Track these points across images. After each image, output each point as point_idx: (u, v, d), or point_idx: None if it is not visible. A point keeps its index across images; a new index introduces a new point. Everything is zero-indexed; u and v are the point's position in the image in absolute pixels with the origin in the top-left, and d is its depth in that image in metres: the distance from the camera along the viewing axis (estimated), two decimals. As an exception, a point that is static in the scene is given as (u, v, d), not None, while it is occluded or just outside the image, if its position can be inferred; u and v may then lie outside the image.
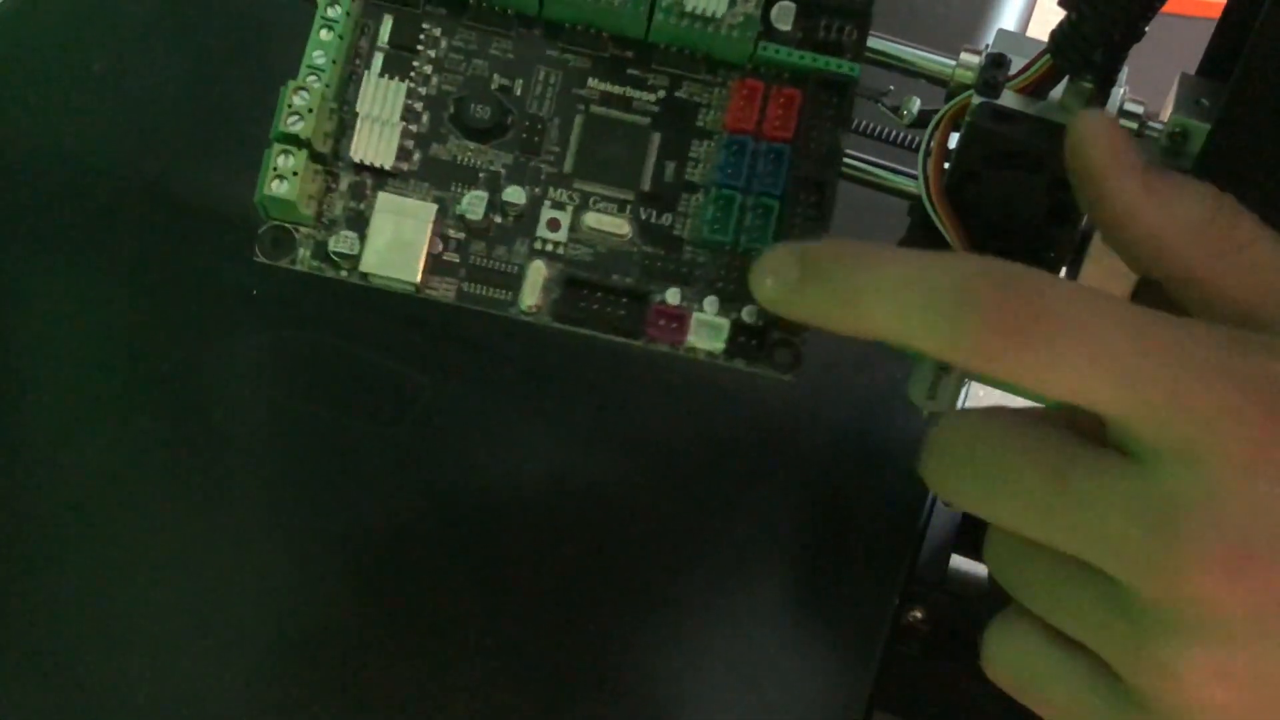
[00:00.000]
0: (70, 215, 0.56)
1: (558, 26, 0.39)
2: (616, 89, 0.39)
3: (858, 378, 0.54)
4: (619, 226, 0.38)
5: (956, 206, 0.40)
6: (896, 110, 0.44)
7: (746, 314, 0.38)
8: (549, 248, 0.38)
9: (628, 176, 0.39)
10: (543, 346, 0.54)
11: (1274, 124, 0.36)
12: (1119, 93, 0.41)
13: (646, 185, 0.39)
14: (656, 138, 0.39)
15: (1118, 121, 0.37)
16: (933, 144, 0.41)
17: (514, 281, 0.38)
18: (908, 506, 0.51)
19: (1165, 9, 0.39)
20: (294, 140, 0.37)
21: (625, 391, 0.53)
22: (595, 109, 0.39)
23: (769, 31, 0.38)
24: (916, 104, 0.44)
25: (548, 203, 0.38)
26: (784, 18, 0.38)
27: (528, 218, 0.38)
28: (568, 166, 0.39)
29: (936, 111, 0.42)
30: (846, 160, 0.46)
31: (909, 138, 0.47)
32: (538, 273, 0.38)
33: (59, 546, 0.47)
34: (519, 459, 0.51)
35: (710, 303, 0.38)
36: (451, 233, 0.38)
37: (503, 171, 0.39)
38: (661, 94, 0.39)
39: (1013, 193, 0.40)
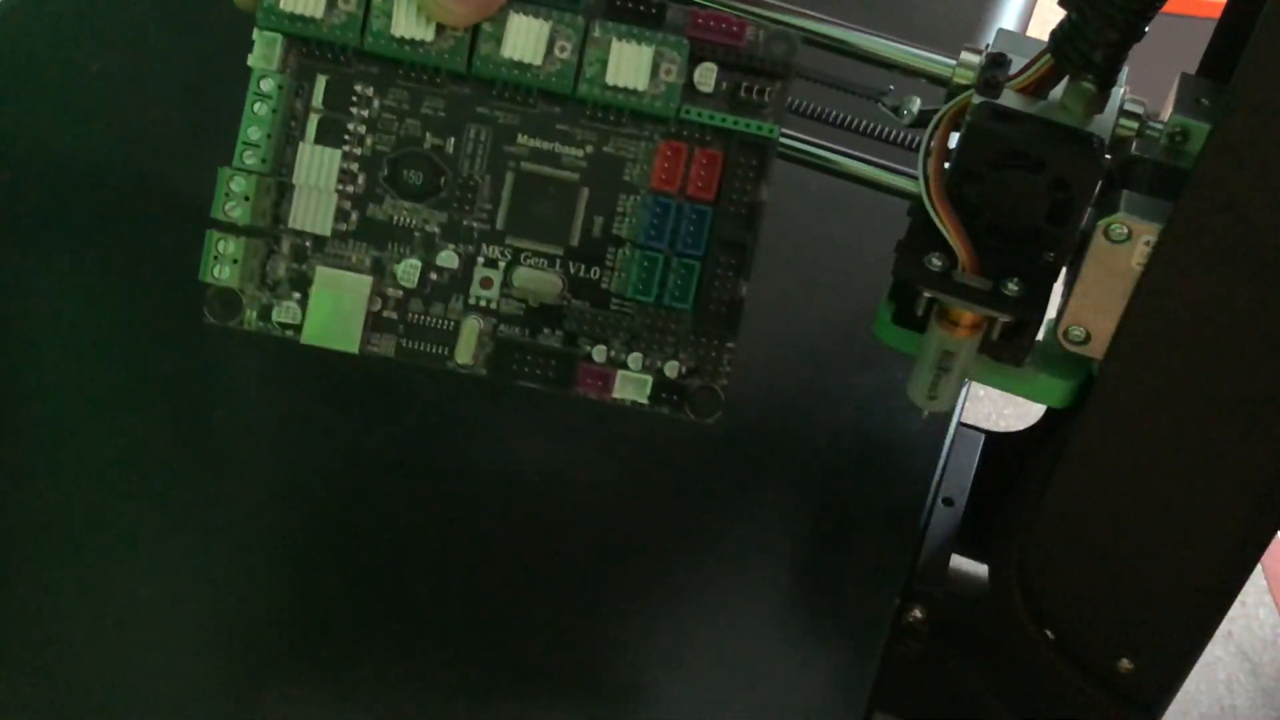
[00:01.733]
0: (70, 215, 0.56)
1: (487, 83, 0.39)
2: (546, 145, 0.39)
3: (858, 378, 0.54)
4: (550, 283, 0.39)
5: (956, 206, 0.40)
6: (896, 110, 0.44)
7: (668, 369, 0.40)
8: (483, 304, 0.40)
9: (558, 232, 0.40)
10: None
11: (1274, 124, 0.36)
12: (1119, 93, 0.41)
13: (575, 241, 0.40)
14: (585, 193, 0.39)
15: None
16: (933, 144, 0.41)
17: (449, 338, 0.40)
18: (908, 506, 0.51)
19: (1165, 9, 0.39)
20: (233, 228, 0.39)
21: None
22: (525, 165, 0.39)
23: (692, 93, 0.39)
24: (916, 104, 0.44)
25: (481, 259, 0.40)
26: (706, 80, 0.39)
27: (461, 276, 0.40)
28: (500, 223, 0.40)
29: (936, 111, 0.42)
30: (847, 160, 0.46)
31: (909, 138, 0.47)
32: (472, 330, 0.39)
33: (59, 546, 0.47)
34: (519, 459, 0.51)
35: (634, 359, 0.40)
36: (390, 291, 0.40)
37: (437, 230, 0.40)
38: (590, 149, 0.39)
39: (1013, 193, 0.40)
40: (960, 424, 0.54)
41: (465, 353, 0.39)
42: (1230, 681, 0.91)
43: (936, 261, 0.40)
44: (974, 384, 0.46)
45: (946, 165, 0.41)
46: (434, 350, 0.40)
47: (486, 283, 0.39)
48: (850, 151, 0.46)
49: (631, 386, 0.40)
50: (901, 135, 0.48)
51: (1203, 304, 0.40)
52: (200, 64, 0.62)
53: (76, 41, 0.62)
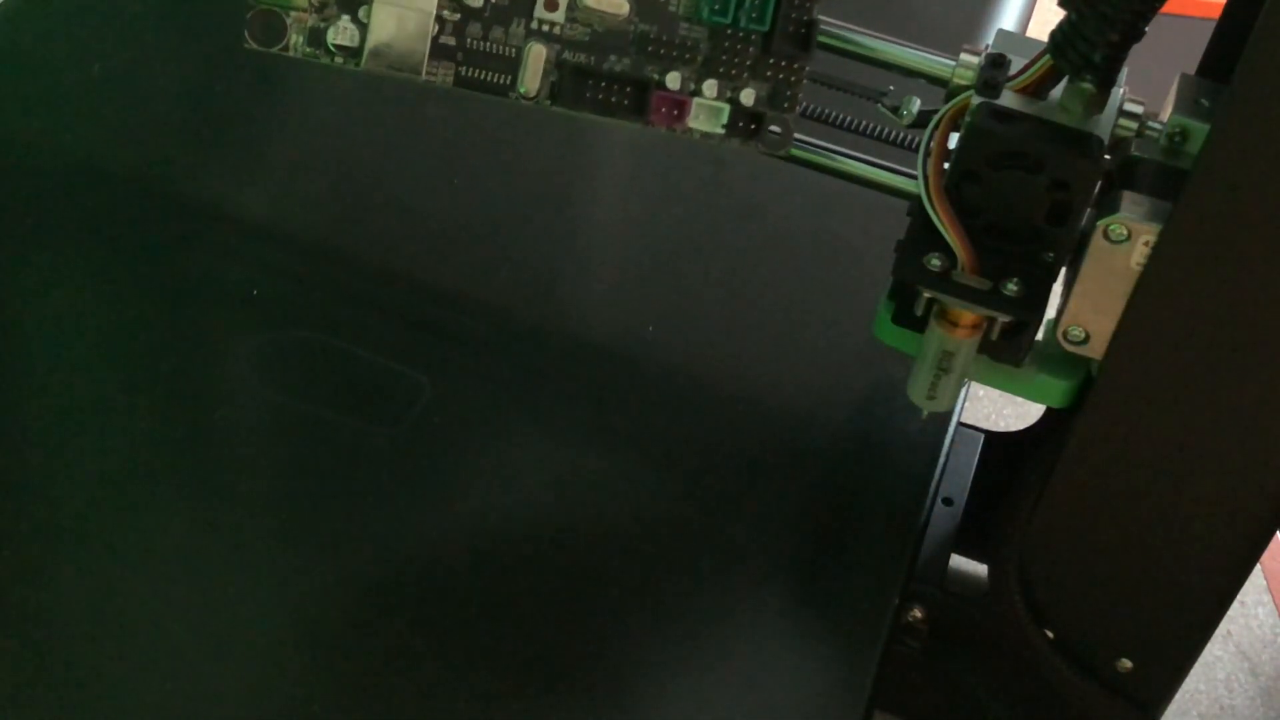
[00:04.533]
0: (70, 215, 0.56)
1: None
2: None
3: (858, 378, 0.54)
4: (617, 5, 0.38)
5: (956, 206, 0.40)
6: (896, 110, 0.44)
7: (745, 96, 0.38)
8: (546, 28, 0.37)
9: None
10: (542, 346, 0.54)
11: (1274, 124, 0.36)
12: (1119, 93, 0.41)
13: None
14: None
15: None
16: (933, 144, 0.41)
17: (512, 65, 0.37)
18: (908, 506, 0.51)
19: (1165, 9, 0.39)
20: None
21: (625, 391, 0.53)
22: None
23: None
24: (916, 104, 0.44)
25: None
26: None
27: None
28: None
29: (936, 111, 0.42)
30: (847, 160, 0.46)
31: (909, 138, 0.47)
32: (537, 56, 0.38)
33: (59, 546, 0.47)
34: (519, 459, 0.51)
35: (709, 86, 0.38)
36: (447, 14, 0.37)
37: None
38: None
39: (1013, 193, 0.40)
40: (960, 424, 0.54)
41: (530, 81, 0.37)
42: (1229, 681, 0.91)
43: (936, 261, 0.40)
44: (974, 384, 0.46)
45: (946, 165, 0.41)
46: (496, 79, 0.37)
47: (551, 4, 0.37)
48: (850, 152, 0.46)
49: (705, 115, 0.38)
50: (901, 135, 0.48)
51: (1202, 304, 0.40)
52: (200, 64, 0.62)
53: (76, 41, 0.62)
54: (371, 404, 0.51)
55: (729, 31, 0.38)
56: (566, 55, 0.38)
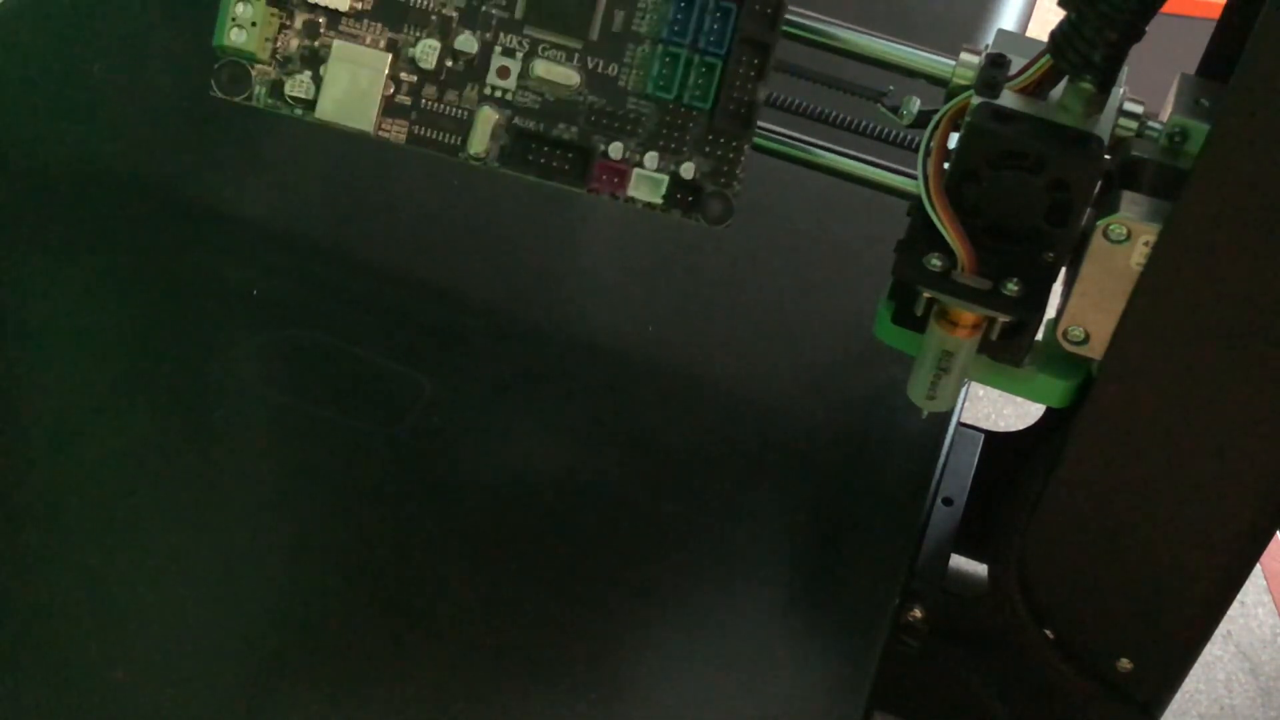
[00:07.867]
0: (70, 215, 0.56)
1: None
2: None
3: (858, 378, 0.54)
4: (568, 76, 0.39)
5: (956, 206, 0.40)
6: (896, 110, 0.44)
7: (684, 170, 0.40)
8: (498, 94, 0.39)
9: (577, 25, 0.39)
10: (542, 346, 0.54)
11: (1274, 124, 0.36)
12: (1119, 93, 0.41)
13: (595, 35, 0.39)
14: None
15: None
16: (933, 144, 0.41)
17: (463, 127, 0.39)
18: (908, 506, 0.51)
19: (1165, 9, 0.39)
20: None
21: (625, 391, 0.53)
22: None
23: None
24: (916, 104, 0.44)
25: (498, 49, 0.39)
26: None
27: (479, 64, 0.39)
28: (519, 12, 0.39)
29: (936, 111, 0.42)
30: (847, 161, 0.46)
31: (909, 138, 0.47)
32: (487, 120, 0.39)
33: (59, 545, 0.47)
34: (519, 459, 0.51)
35: (651, 158, 0.40)
36: (404, 75, 0.39)
37: (455, 15, 0.39)
38: None
39: (1013, 193, 0.40)
40: (960, 424, 0.54)
41: (479, 142, 0.39)
42: (1229, 681, 0.91)
43: (936, 261, 0.40)
44: (974, 384, 0.46)
45: (946, 165, 0.41)
46: (447, 139, 0.40)
47: (503, 72, 0.39)
48: (850, 151, 0.46)
49: (646, 186, 0.40)
50: (901, 135, 0.48)
51: (1202, 305, 0.40)
52: (200, 64, 0.62)
53: (76, 42, 0.62)
54: (371, 404, 0.51)
55: (673, 107, 0.40)
56: (517, 121, 0.40)
